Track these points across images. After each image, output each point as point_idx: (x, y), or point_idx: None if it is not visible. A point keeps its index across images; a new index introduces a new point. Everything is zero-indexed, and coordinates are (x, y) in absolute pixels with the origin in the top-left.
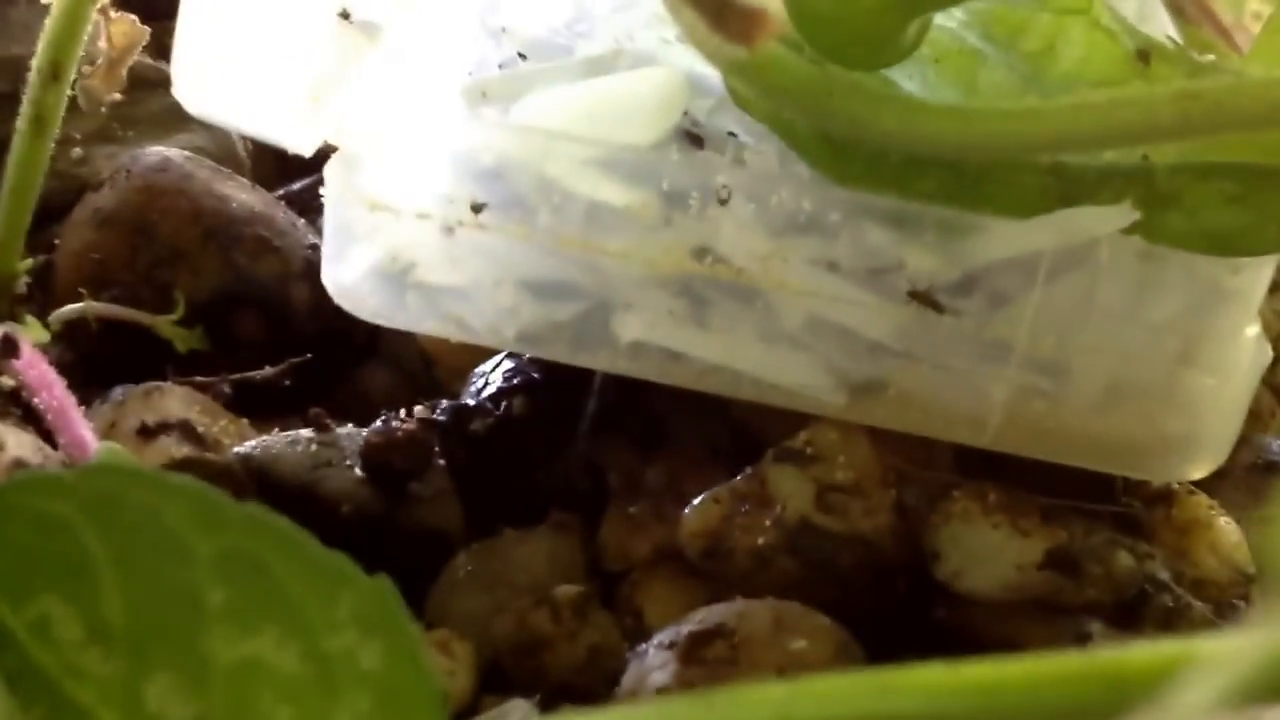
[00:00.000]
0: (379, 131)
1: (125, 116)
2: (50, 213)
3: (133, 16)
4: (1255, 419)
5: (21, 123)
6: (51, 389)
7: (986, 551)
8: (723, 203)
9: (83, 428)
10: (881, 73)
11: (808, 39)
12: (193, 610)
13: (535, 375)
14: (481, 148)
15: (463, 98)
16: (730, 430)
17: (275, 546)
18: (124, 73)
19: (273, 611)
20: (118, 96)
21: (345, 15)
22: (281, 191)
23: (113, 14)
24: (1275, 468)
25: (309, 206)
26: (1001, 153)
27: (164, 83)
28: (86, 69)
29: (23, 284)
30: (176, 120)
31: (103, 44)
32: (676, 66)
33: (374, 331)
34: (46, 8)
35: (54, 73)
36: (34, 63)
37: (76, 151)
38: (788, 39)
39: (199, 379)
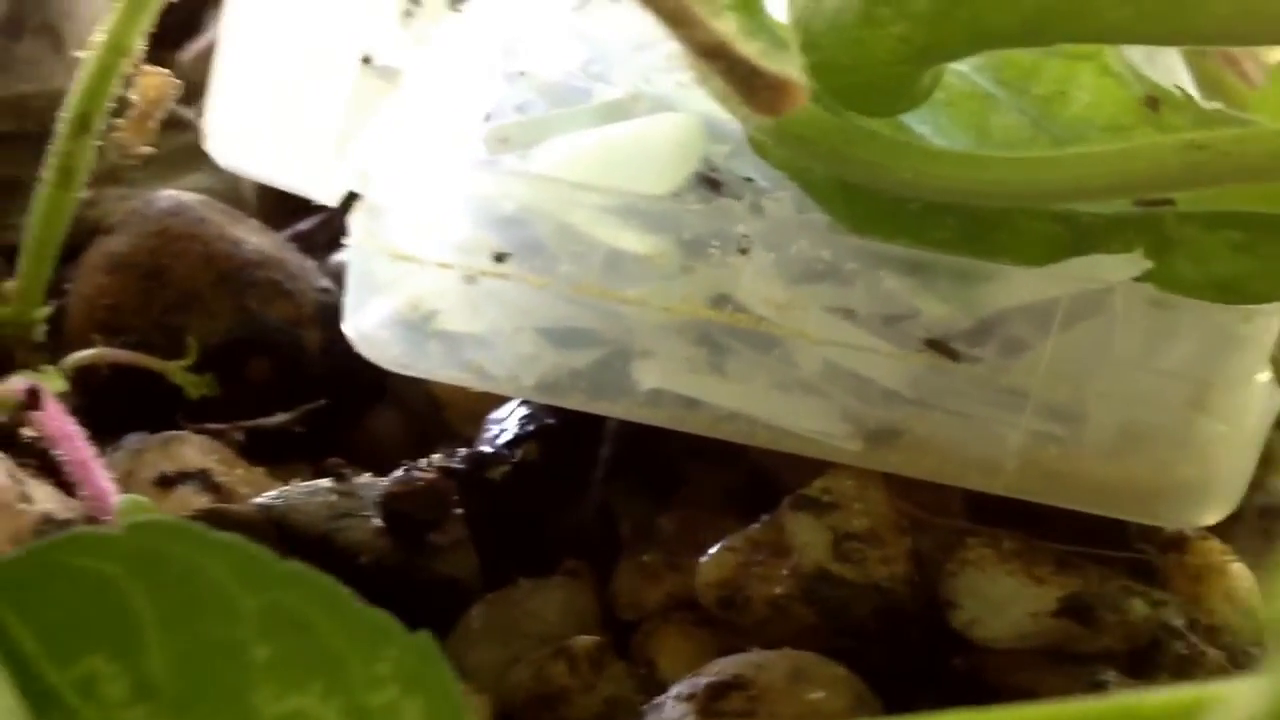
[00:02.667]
0: (400, 180)
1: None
2: (60, 255)
3: (165, 70)
4: (1267, 464)
5: (48, 173)
6: (72, 440)
7: (1001, 599)
8: (743, 252)
9: (103, 479)
10: (896, 117)
11: (825, 88)
12: (237, 667)
13: (549, 421)
14: (502, 196)
15: (484, 144)
16: (746, 476)
17: (317, 602)
18: (153, 125)
19: (316, 667)
20: (147, 149)
21: (367, 60)
22: (290, 231)
23: (144, 68)
24: None
25: (316, 245)
26: (1014, 200)
27: (173, 123)
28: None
29: (41, 332)
30: (186, 160)
31: (133, 96)
32: (693, 111)
33: (382, 375)
34: (54, 43)
35: (83, 124)
36: (62, 114)
37: (86, 193)
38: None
39: (212, 426)
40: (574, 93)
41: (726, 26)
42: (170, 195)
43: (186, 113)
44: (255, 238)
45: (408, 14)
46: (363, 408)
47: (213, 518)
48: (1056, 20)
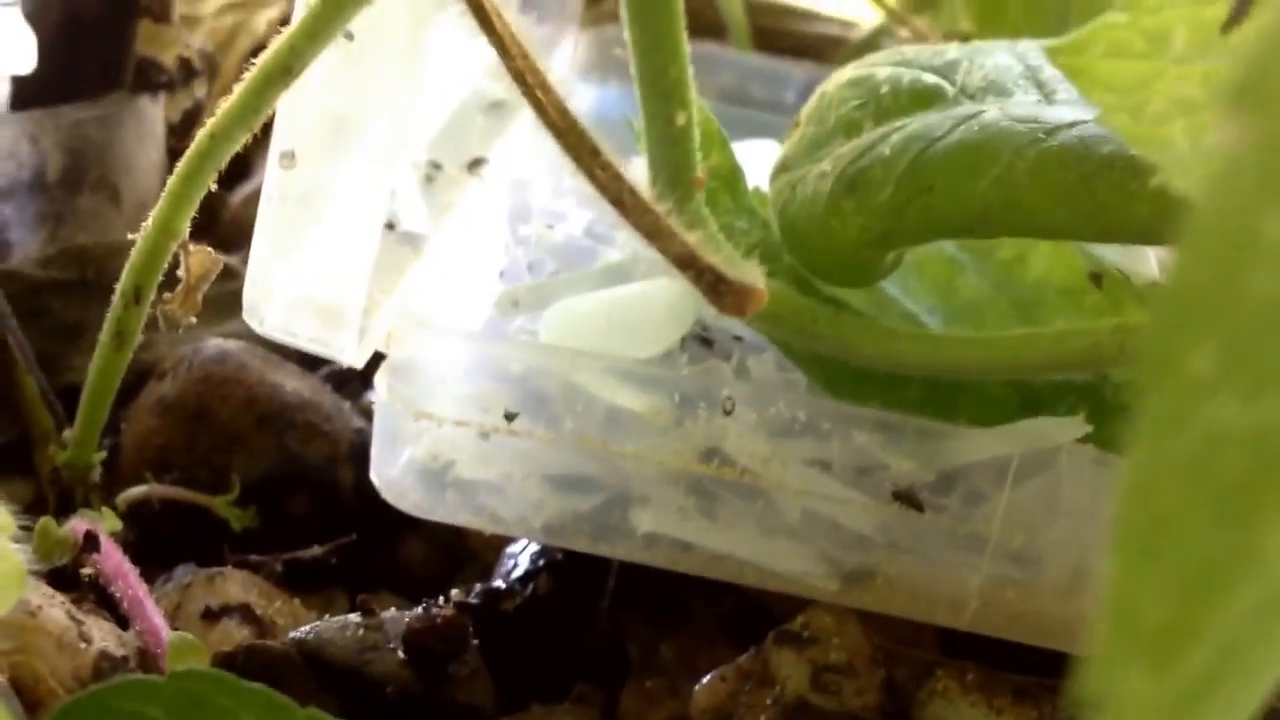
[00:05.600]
0: (419, 343)
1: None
2: (119, 394)
3: (208, 248)
4: None
5: (104, 336)
6: (126, 578)
7: None
8: (727, 413)
9: (156, 616)
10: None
11: (800, 262)
12: None
13: (559, 556)
14: (511, 359)
15: (496, 308)
16: (742, 606)
17: None
18: (199, 298)
19: None
20: (193, 320)
21: (391, 226)
22: (325, 371)
23: (191, 246)
24: None
25: (351, 379)
26: (965, 374)
27: (221, 271)
28: (167, 295)
29: (98, 473)
30: (233, 305)
31: (181, 273)
32: None
33: None
34: (112, 196)
35: (136, 296)
36: (118, 287)
37: (140, 337)
38: (773, 259)
39: (254, 557)
40: (580, 253)
41: (695, 238)
42: (216, 344)
43: (233, 260)
44: (294, 382)
45: (429, 179)
46: (395, 536)
47: (253, 653)
48: (998, 219)
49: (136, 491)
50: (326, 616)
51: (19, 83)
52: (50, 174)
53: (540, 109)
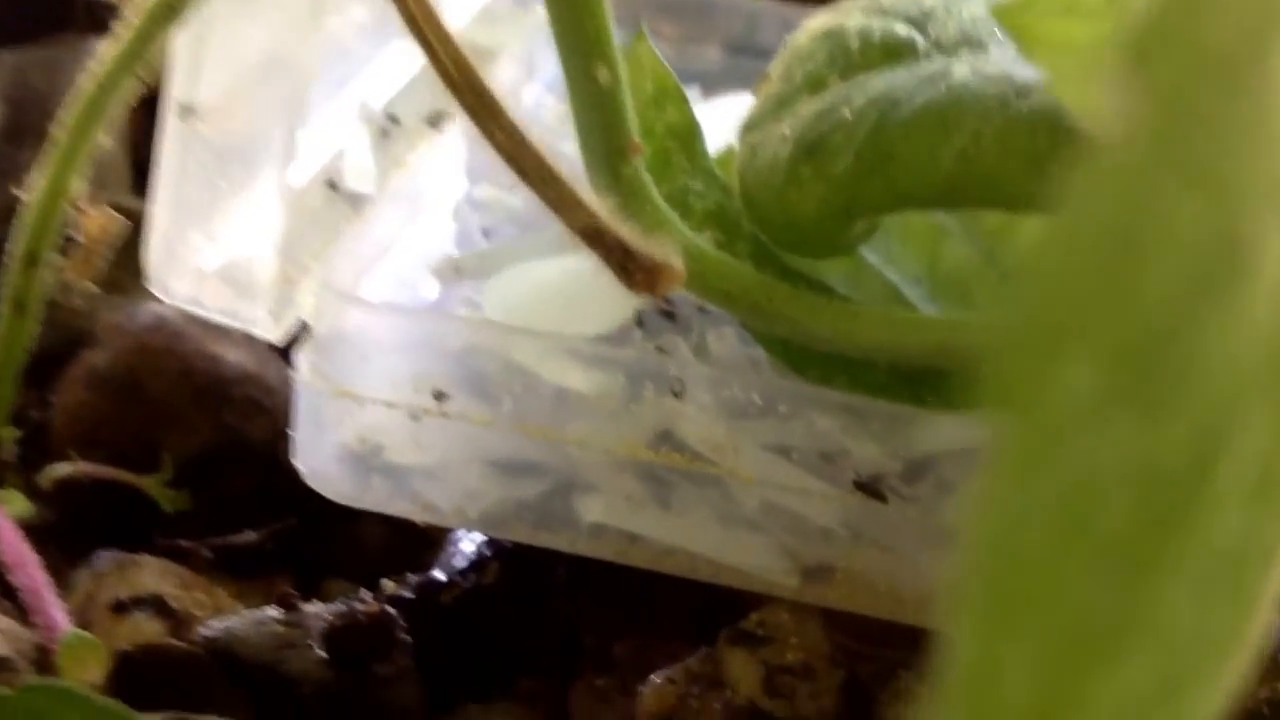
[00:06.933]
0: (344, 316)
1: (131, 264)
2: (54, 362)
3: (109, 209)
4: None
5: (4, 307)
6: (27, 568)
7: None
8: (676, 395)
9: (55, 609)
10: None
11: (762, 233)
12: None
13: (509, 544)
14: (446, 334)
15: (435, 275)
16: (709, 598)
17: None
18: (100, 263)
19: None
20: (94, 288)
21: (332, 185)
22: None
23: (88, 208)
24: None
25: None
26: (929, 360)
27: None
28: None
29: (11, 450)
30: None
31: (79, 236)
32: None
33: None
34: None
35: (31, 261)
36: (11, 249)
37: (79, 302)
38: (732, 227)
39: (181, 543)
40: (542, 218)
41: (604, 208)
42: (151, 310)
43: None
44: (235, 353)
45: (384, 134)
46: (349, 518)
47: (153, 653)
48: (965, 191)
49: (61, 469)
50: (239, 609)
51: None
52: None
53: (436, 60)
